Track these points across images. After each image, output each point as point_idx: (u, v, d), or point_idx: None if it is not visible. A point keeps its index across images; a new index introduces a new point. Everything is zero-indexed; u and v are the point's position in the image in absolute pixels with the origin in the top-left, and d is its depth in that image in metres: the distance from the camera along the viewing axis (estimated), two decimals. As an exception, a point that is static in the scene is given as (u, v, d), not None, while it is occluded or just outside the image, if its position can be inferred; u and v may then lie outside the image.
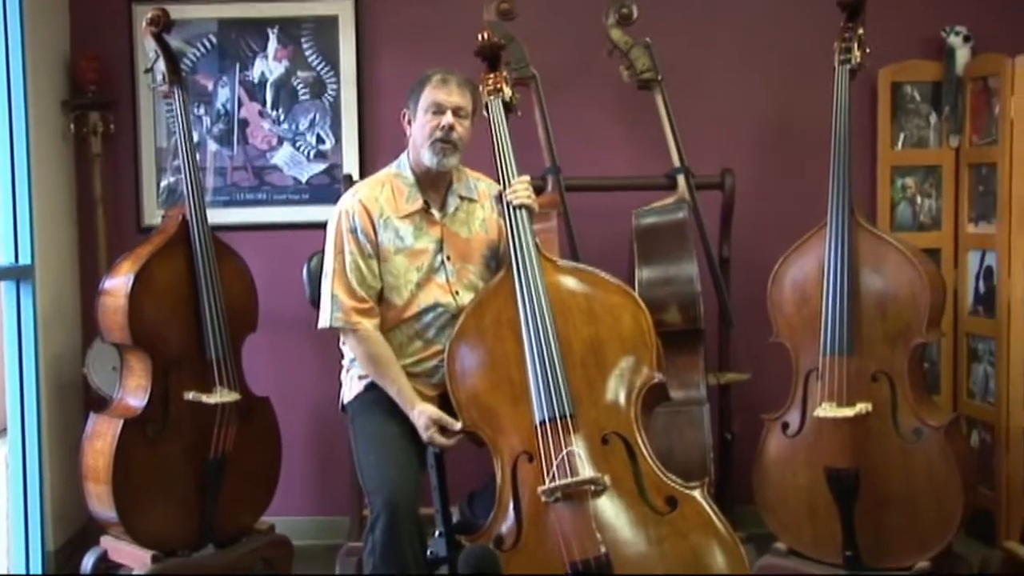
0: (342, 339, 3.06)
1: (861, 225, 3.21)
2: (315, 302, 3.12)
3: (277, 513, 3.68)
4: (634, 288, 3.17)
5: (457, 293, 2.99)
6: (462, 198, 3.06)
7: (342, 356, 3.13)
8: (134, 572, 3.31)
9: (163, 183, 4.02)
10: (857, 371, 3.15)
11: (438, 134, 2.92)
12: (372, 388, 2.99)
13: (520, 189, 2.92)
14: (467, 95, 2.98)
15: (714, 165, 3.70)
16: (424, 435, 2.84)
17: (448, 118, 2.93)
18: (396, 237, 2.98)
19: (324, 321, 2.99)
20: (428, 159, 2.96)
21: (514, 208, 2.90)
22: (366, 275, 2.96)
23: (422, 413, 2.86)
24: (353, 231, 2.96)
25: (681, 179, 3.61)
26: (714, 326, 3.64)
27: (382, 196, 3.00)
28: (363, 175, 3.71)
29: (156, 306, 3.33)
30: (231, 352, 3.42)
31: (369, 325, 2.95)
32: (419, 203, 3.00)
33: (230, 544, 3.50)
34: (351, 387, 3.07)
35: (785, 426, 3.30)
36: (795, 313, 3.30)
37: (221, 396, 3.36)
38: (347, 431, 3.04)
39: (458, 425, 2.83)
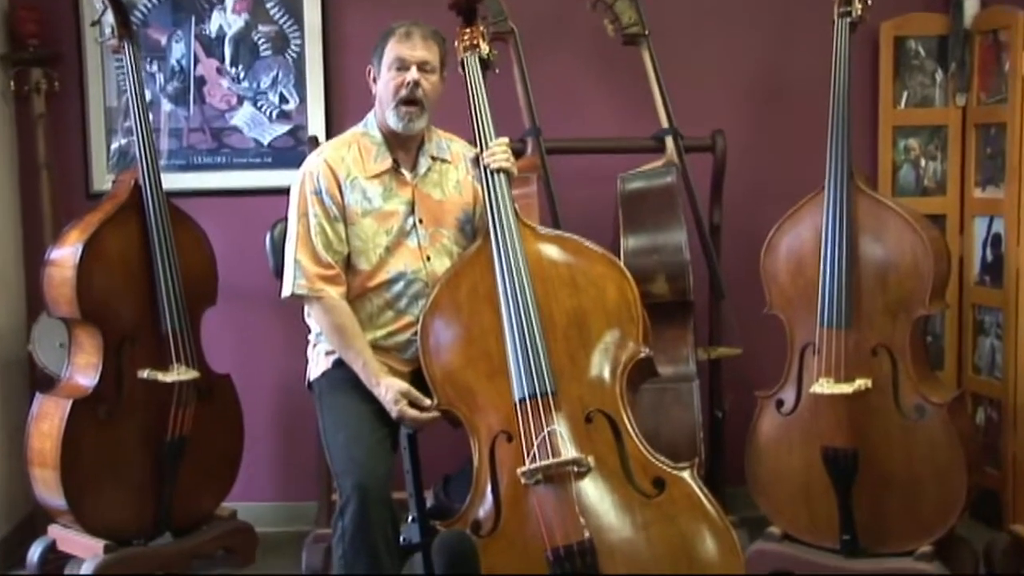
0: (307, 311, 3.05)
1: (861, 190, 3.22)
2: (278, 272, 3.10)
3: (239, 499, 3.69)
4: (619, 257, 3.17)
5: (428, 259, 2.99)
6: (434, 158, 3.06)
7: (308, 330, 3.12)
8: (84, 565, 3.30)
9: (113, 145, 3.97)
10: (856, 345, 3.16)
11: (403, 92, 2.92)
12: (340, 365, 2.98)
13: (498, 152, 2.91)
14: (433, 48, 2.96)
15: (704, 126, 3.69)
16: (393, 411, 2.83)
17: (413, 74, 2.92)
18: (364, 198, 2.97)
19: (287, 289, 2.98)
20: (394, 123, 2.96)
21: (491, 172, 2.89)
22: (332, 239, 2.95)
23: (389, 387, 2.85)
24: (317, 193, 2.95)
25: (669, 141, 3.61)
26: (704, 298, 3.65)
27: (349, 156, 2.99)
28: (329, 137, 3.69)
29: (107, 278, 3.32)
30: (189, 327, 3.42)
31: (334, 293, 2.95)
32: (388, 162, 3.00)
33: (189, 532, 3.51)
34: (318, 363, 3.06)
35: (779, 403, 3.32)
36: (790, 284, 3.31)
37: (178, 374, 3.36)
38: (314, 410, 3.03)
39: (427, 402, 2.83)
